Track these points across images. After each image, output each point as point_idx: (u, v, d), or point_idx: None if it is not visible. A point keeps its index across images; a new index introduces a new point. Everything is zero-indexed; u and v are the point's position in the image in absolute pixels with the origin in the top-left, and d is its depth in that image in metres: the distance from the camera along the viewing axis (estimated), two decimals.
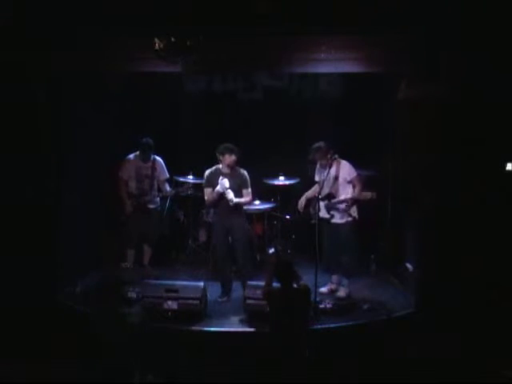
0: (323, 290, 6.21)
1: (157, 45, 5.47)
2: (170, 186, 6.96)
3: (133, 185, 6.68)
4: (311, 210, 6.09)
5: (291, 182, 7.20)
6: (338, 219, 6.04)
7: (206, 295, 5.72)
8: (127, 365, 4.05)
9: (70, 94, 6.10)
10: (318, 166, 6.15)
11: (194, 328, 5.39)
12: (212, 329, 5.41)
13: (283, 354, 4.41)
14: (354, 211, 6.02)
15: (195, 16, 5.33)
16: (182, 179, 7.20)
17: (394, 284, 6.54)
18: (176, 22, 5.37)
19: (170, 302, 5.46)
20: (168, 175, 6.87)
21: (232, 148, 6.00)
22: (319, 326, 5.33)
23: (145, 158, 6.69)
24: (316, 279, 5.56)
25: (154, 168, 6.71)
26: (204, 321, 5.53)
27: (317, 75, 7.57)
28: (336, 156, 5.93)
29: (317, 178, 6.20)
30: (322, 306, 5.62)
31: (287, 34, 5.48)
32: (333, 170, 5.97)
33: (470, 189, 5.54)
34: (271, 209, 7.21)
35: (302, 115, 7.59)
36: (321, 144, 5.99)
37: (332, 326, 5.39)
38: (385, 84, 6.74)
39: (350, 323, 5.45)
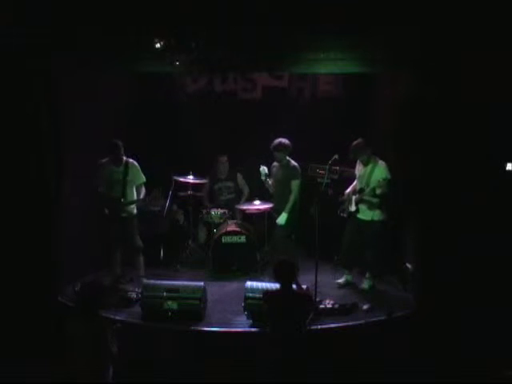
0: (340, 281, 6.47)
1: (156, 45, 5.48)
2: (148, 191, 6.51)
3: (104, 190, 6.28)
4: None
5: None
6: (363, 216, 6.23)
7: (206, 295, 5.72)
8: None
9: (70, 94, 6.09)
10: (358, 161, 6.35)
11: (193, 328, 5.39)
12: (212, 329, 5.41)
13: (282, 355, 4.41)
14: (384, 211, 6.18)
15: (195, 16, 5.33)
16: (182, 179, 7.20)
17: (393, 284, 6.54)
18: (176, 21, 5.37)
19: (169, 302, 5.46)
20: (144, 179, 6.36)
21: (274, 146, 6.43)
22: (319, 326, 5.33)
23: (115, 160, 6.23)
24: (316, 279, 5.57)
25: (126, 172, 6.25)
26: (204, 321, 5.52)
27: (317, 75, 7.58)
28: (371, 154, 6.16)
29: (356, 173, 6.39)
30: (321, 306, 5.62)
31: (287, 34, 5.48)
32: (369, 168, 6.18)
33: (470, 189, 5.54)
34: (271, 209, 7.20)
35: (302, 115, 7.59)
36: (359, 141, 6.18)
37: (332, 326, 5.38)
38: (384, 84, 6.75)
39: (350, 323, 5.45)
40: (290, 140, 6.56)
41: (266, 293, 4.76)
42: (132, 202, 6.31)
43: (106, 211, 6.31)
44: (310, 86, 7.86)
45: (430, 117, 5.61)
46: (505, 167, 5.69)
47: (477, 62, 5.35)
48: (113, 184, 6.28)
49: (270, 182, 6.66)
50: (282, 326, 4.47)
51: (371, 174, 6.14)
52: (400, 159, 6.37)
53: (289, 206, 6.45)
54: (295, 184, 6.48)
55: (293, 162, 6.55)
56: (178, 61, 5.51)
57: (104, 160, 6.33)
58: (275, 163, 6.65)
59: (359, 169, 6.35)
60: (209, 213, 7.24)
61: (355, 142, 6.19)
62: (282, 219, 6.46)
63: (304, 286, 5.00)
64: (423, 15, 5.29)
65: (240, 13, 5.30)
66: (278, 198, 6.62)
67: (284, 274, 4.58)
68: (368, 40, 5.56)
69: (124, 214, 6.32)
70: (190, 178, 7.23)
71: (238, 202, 7.39)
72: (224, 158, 7.50)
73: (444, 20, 5.29)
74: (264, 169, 6.61)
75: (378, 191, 6.02)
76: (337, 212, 6.51)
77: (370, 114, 7.24)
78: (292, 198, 6.46)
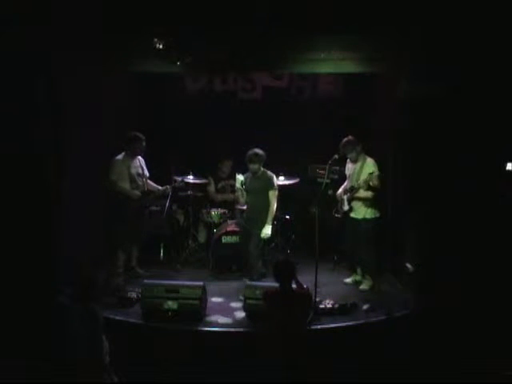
0: (348, 280, 6.53)
1: (157, 45, 5.49)
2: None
3: (126, 186, 6.39)
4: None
5: (291, 182, 7.20)
6: (355, 214, 6.23)
7: (206, 295, 5.72)
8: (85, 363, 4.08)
9: (70, 93, 6.09)
10: (348, 161, 6.38)
11: (193, 328, 5.39)
12: (212, 329, 5.41)
13: (283, 355, 4.41)
14: (377, 208, 6.19)
15: (195, 16, 5.34)
16: (181, 179, 7.20)
17: (393, 284, 6.54)
18: (176, 22, 5.38)
19: (169, 302, 5.46)
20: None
21: (249, 158, 6.33)
22: (319, 326, 5.33)
23: (136, 153, 6.45)
24: (316, 279, 5.57)
25: (141, 165, 6.56)
26: (204, 321, 5.53)
27: (317, 75, 7.58)
28: (360, 151, 6.18)
29: (346, 172, 6.43)
30: (321, 306, 5.62)
31: (287, 34, 5.48)
32: (358, 165, 6.20)
33: (470, 188, 5.54)
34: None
35: (302, 115, 7.59)
36: (349, 138, 6.20)
37: (332, 325, 5.38)
38: (384, 84, 6.75)
39: (350, 323, 5.45)
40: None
41: (266, 293, 4.76)
42: (162, 193, 6.62)
43: (132, 205, 6.38)
44: (310, 85, 7.87)
45: (430, 116, 5.61)
46: (505, 167, 5.69)
47: (477, 62, 5.36)
48: (135, 178, 6.45)
49: (243, 193, 6.60)
50: (282, 326, 4.47)
51: (361, 171, 6.14)
52: (400, 158, 6.38)
53: (270, 216, 6.35)
54: (273, 194, 6.38)
55: (269, 172, 6.46)
56: (178, 61, 5.52)
57: (120, 156, 6.40)
58: (248, 174, 6.54)
59: (349, 167, 6.38)
60: (209, 213, 7.24)
61: (345, 139, 6.19)
62: (267, 231, 6.33)
63: (304, 286, 5.00)
64: (423, 15, 5.29)
65: (240, 13, 5.30)
66: (252, 209, 6.53)
67: (283, 274, 4.57)
68: (368, 40, 5.56)
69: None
70: (190, 178, 7.23)
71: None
72: (230, 162, 7.52)
73: (444, 20, 5.29)
74: (241, 176, 6.59)
75: (366, 186, 6.01)
76: (332, 213, 6.52)
77: (370, 114, 7.24)
78: (272, 208, 6.36)
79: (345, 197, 6.32)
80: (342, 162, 6.47)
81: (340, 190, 6.46)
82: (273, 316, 4.57)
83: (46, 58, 5.63)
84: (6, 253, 5.70)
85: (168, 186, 6.67)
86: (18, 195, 5.71)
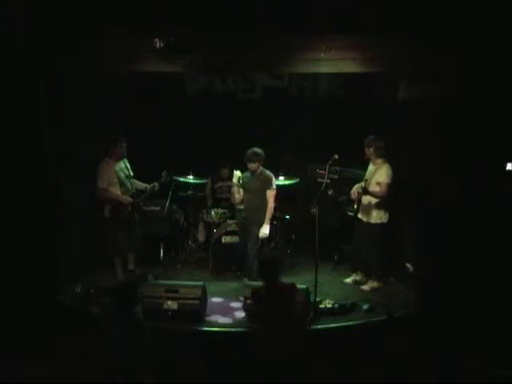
0: (348, 280, 6.52)
1: (157, 45, 5.49)
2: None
3: (116, 191, 6.25)
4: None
5: (291, 182, 7.20)
6: (362, 216, 6.25)
7: (206, 295, 5.72)
8: (127, 365, 4.08)
9: (70, 93, 6.09)
10: (370, 163, 6.33)
11: (193, 328, 5.39)
12: (212, 329, 5.41)
13: (276, 354, 4.38)
14: (384, 214, 6.17)
15: (195, 16, 5.34)
16: (182, 179, 7.20)
17: (393, 284, 6.54)
18: (176, 22, 5.38)
19: (169, 302, 5.46)
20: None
21: (248, 157, 6.38)
22: (319, 326, 5.33)
23: (120, 156, 6.30)
24: (316, 279, 5.57)
25: (126, 166, 6.44)
26: (204, 321, 5.53)
27: (317, 75, 7.58)
28: (381, 154, 6.13)
29: (367, 173, 6.39)
30: (321, 306, 5.62)
31: (287, 34, 5.48)
32: (373, 169, 6.20)
33: (470, 189, 5.54)
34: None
35: (302, 115, 7.59)
36: (370, 136, 6.16)
37: (332, 326, 5.38)
38: (385, 84, 6.75)
39: (350, 323, 5.45)
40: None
41: (253, 292, 4.72)
42: (151, 191, 6.49)
43: (125, 210, 6.30)
44: (310, 86, 7.87)
45: (431, 117, 5.61)
46: (505, 167, 5.69)
47: (477, 62, 5.36)
48: (124, 182, 6.36)
49: (239, 190, 6.64)
50: (272, 324, 4.44)
51: (373, 175, 6.14)
52: (399, 159, 6.38)
53: (268, 216, 6.43)
54: (271, 193, 6.44)
55: (268, 172, 6.51)
56: (178, 61, 5.52)
57: (104, 162, 6.26)
58: (247, 173, 6.61)
59: (369, 168, 6.35)
60: (209, 212, 7.24)
61: (373, 137, 6.15)
62: (265, 231, 6.43)
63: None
64: (423, 15, 5.29)
65: (240, 13, 5.30)
66: (250, 208, 6.59)
67: (267, 272, 4.56)
68: (368, 40, 5.56)
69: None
70: (190, 178, 7.23)
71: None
72: (226, 170, 7.49)
73: (444, 19, 5.29)
74: (239, 172, 6.59)
75: (362, 192, 6.01)
76: (336, 211, 6.51)
77: (370, 114, 7.24)
78: (270, 207, 6.42)
79: (356, 197, 6.29)
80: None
81: (354, 189, 6.36)
82: (263, 315, 4.56)
83: (46, 57, 5.63)
84: (5, 252, 5.70)
85: (155, 183, 6.55)
86: (18, 195, 5.72)
